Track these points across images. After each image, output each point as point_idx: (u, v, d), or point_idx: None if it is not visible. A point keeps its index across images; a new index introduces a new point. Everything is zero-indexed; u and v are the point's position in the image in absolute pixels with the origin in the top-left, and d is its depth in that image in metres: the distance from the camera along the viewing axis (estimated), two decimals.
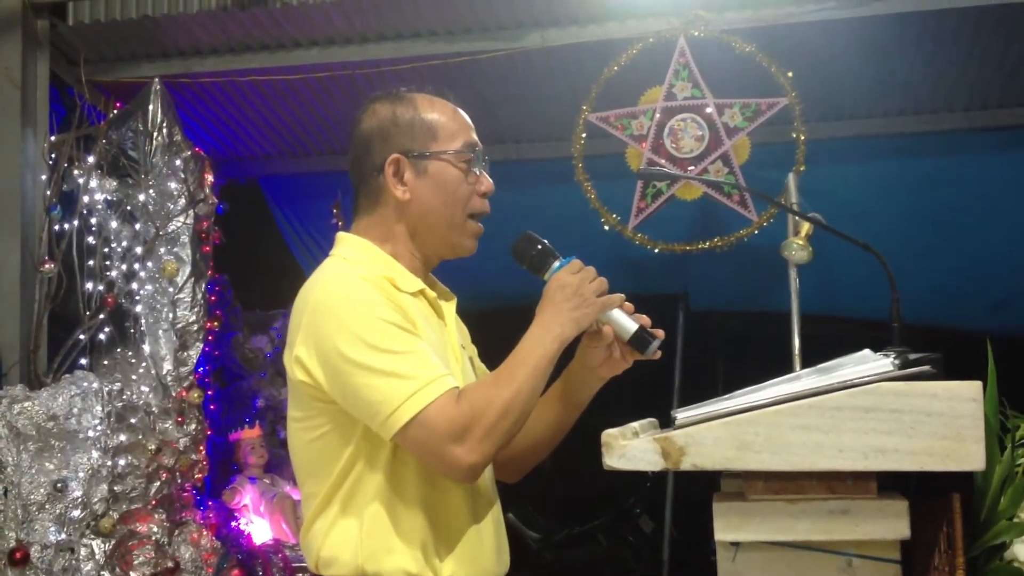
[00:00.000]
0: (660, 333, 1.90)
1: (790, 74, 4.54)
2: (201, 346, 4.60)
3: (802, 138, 4.55)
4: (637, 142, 4.65)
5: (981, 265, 5.33)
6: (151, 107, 4.66)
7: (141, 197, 4.58)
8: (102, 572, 4.01)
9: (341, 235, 2.02)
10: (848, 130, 5.38)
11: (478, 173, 1.99)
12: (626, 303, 1.90)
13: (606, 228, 4.75)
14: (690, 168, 4.56)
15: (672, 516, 5.97)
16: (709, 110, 4.58)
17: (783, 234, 4.35)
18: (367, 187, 1.99)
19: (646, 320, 1.90)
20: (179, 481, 4.39)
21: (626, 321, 1.88)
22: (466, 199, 1.97)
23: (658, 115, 4.61)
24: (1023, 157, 5.26)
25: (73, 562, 3.96)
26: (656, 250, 4.79)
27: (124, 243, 4.56)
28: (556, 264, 1.90)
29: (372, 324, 1.79)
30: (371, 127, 1.99)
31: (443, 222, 1.96)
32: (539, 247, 1.92)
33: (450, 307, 2.04)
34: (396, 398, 1.75)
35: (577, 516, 6.65)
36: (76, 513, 3.98)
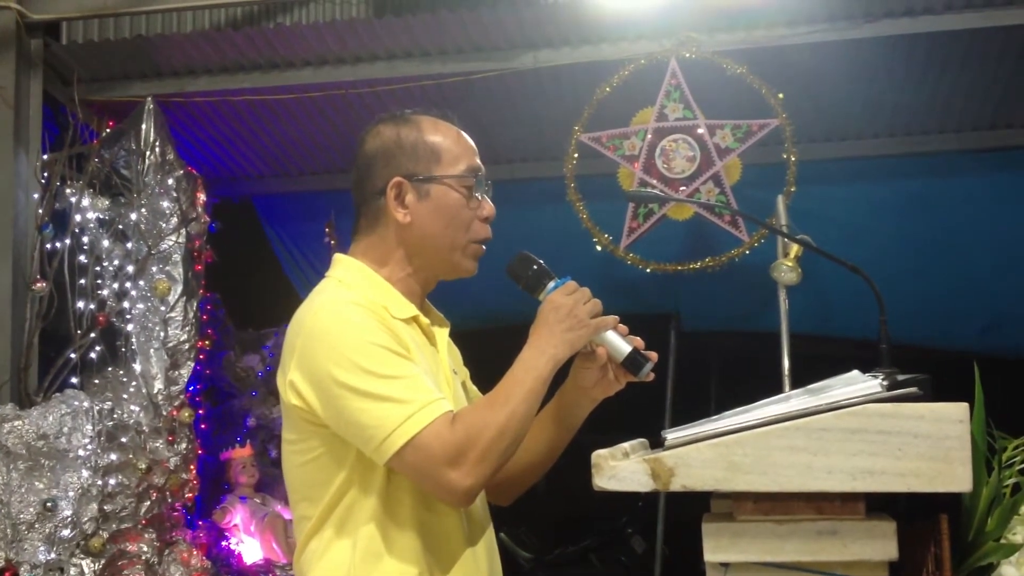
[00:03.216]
0: (653, 355, 1.90)
1: (781, 95, 4.56)
2: (192, 365, 4.60)
3: (793, 159, 4.57)
4: (629, 162, 4.67)
5: (970, 286, 5.34)
6: (144, 126, 4.67)
7: (133, 216, 4.58)
8: None
9: (338, 256, 2.01)
10: (838, 151, 5.40)
11: (480, 198, 1.99)
12: (620, 325, 1.90)
13: (598, 248, 4.76)
14: (681, 188, 4.58)
15: (664, 536, 5.95)
16: (700, 131, 4.60)
17: (775, 254, 4.36)
18: (368, 208, 1.98)
19: (640, 342, 1.91)
20: (169, 500, 4.39)
21: (620, 343, 1.89)
22: (467, 224, 1.97)
23: (650, 136, 4.63)
24: (1012, 179, 5.29)
25: None
26: (648, 270, 4.79)
27: (116, 262, 4.56)
28: (551, 284, 1.91)
29: (366, 349, 1.79)
30: (375, 148, 1.99)
31: (444, 246, 1.96)
32: (535, 267, 1.93)
33: (443, 333, 2.03)
34: (391, 422, 1.74)
35: (569, 536, 6.63)
36: (66, 532, 3.97)
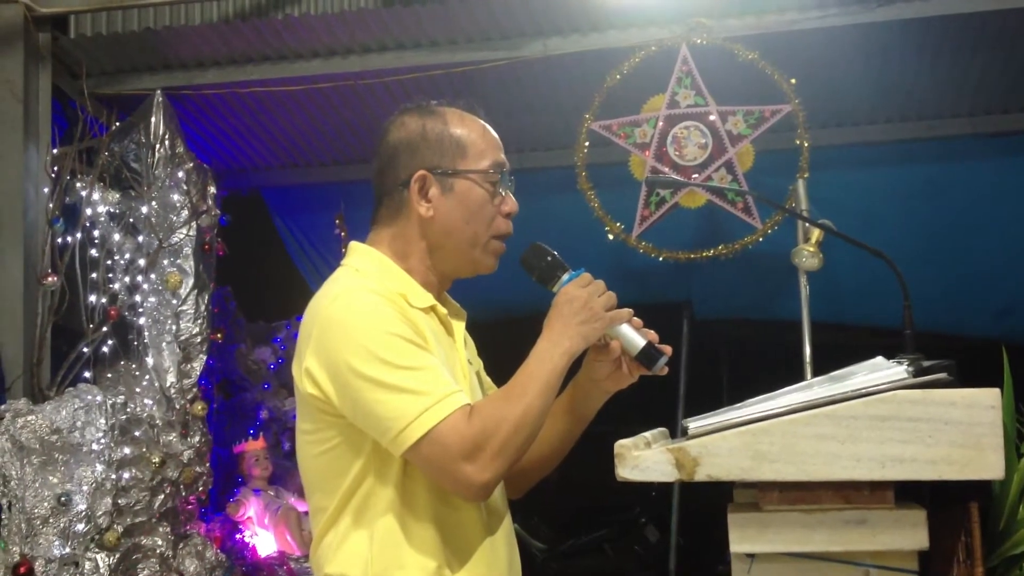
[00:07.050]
0: (668, 349, 1.89)
1: (793, 81, 4.52)
2: (204, 358, 4.58)
3: (806, 145, 4.54)
4: (640, 150, 4.64)
5: (987, 271, 5.31)
6: (153, 119, 4.65)
7: (144, 209, 4.57)
8: None
9: (354, 245, 1.99)
10: (851, 137, 5.37)
11: (503, 194, 1.97)
12: (634, 318, 1.88)
13: (610, 237, 4.73)
14: (694, 176, 4.55)
15: (678, 526, 5.94)
16: (712, 118, 4.57)
17: (788, 241, 4.33)
18: (390, 199, 1.96)
19: (654, 336, 1.89)
20: (183, 494, 4.38)
21: (634, 336, 1.87)
22: (490, 220, 1.95)
23: (661, 123, 4.60)
24: None
25: None
26: (660, 258, 4.76)
27: (127, 255, 4.55)
28: (565, 277, 1.89)
29: (384, 339, 1.77)
30: (399, 139, 1.96)
31: (465, 241, 1.94)
32: (548, 259, 1.91)
33: (460, 324, 2.02)
34: (408, 414, 1.73)
35: (582, 526, 6.62)
36: (80, 527, 3.96)
